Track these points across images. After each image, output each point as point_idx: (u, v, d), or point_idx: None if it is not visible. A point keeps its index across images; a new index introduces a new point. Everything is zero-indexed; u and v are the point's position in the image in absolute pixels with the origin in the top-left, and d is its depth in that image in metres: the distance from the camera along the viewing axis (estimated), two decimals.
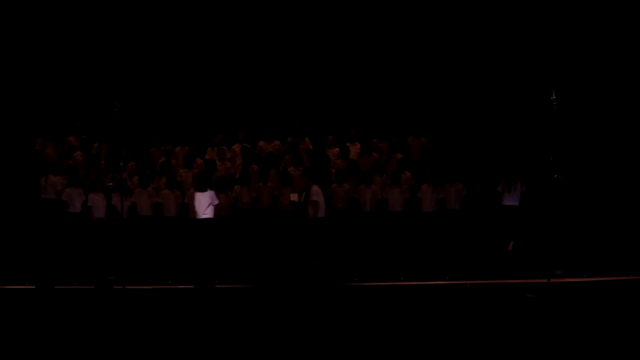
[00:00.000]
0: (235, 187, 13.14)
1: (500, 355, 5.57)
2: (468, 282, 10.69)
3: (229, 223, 12.95)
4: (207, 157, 13.95)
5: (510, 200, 12.44)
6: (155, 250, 12.94)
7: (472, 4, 15.41)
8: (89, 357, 5.79)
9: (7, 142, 14.67)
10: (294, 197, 12.46)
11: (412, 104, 15.23)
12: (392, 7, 15.56)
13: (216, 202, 11.86)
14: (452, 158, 13.81)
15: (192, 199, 11.94)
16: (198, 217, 11.75)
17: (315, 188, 11.77)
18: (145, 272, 12.05)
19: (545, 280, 10.01)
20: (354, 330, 5.97)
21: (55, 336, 6.01)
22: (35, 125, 14.14)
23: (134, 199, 12.83)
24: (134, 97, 13.92)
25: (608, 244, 12.68)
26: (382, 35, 15.61)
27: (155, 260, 12.57)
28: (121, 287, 9.59)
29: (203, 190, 11.78)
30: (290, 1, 15.61)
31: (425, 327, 6.50)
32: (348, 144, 13.95)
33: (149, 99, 15.34)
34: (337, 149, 13.88)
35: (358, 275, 11.81)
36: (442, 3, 15.50)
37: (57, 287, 11.03)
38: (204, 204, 11.68)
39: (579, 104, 14.21)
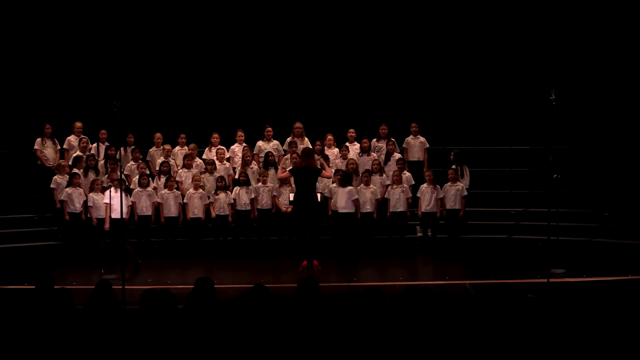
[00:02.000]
0: (235, 187, 13.20)
1: (499, 355, 5.57)
2: (467, 282, 10.68)
3: (228, 223, 13.04)
4: (204, 157, 13.94)
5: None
6: (154, 250, 12.96)
7: (472, 4, 15.40)
8: (88, 357, 5.79)
9: (6, 142, 14.67)
10: (293, 197, 12.47)
11: (412, 103, 15.22)
12: (392, 7, 15.55)
13: (355, 197, 12.73)
14: (451, 158, 13.81)
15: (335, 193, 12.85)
16: (339, 210, 12.74)
17: (109, 191, 11.79)
18: (145, 272, 12.04)
19: (545, 280, 10.01)
20: (353, 330, 5.97)
21: (54, 336, 6.01)
22: (34, 125, 14.12)
23: (133, 199, 12.85)
24: (133, 97, 13.90)
25: (608, 244, 12.68)
26: (382, 35, 15.61)
27: (154, 260, 12.60)
28: (120, 287, 9.58)
29: (344, 186, 12.67)
30: (290, 1, 15.60)
31: (423, 327, 6.50)
32: (347, 144, 13.93)
33: (149, 99, 15.33)
34: (337, 149, 13.86)
35: (357, 276, 11.81)
36: (441, 3, 15.49)
37: (57, 287, 11.00)
38: (343, 199, 12.68)
39: (578, 104, 14.22)
